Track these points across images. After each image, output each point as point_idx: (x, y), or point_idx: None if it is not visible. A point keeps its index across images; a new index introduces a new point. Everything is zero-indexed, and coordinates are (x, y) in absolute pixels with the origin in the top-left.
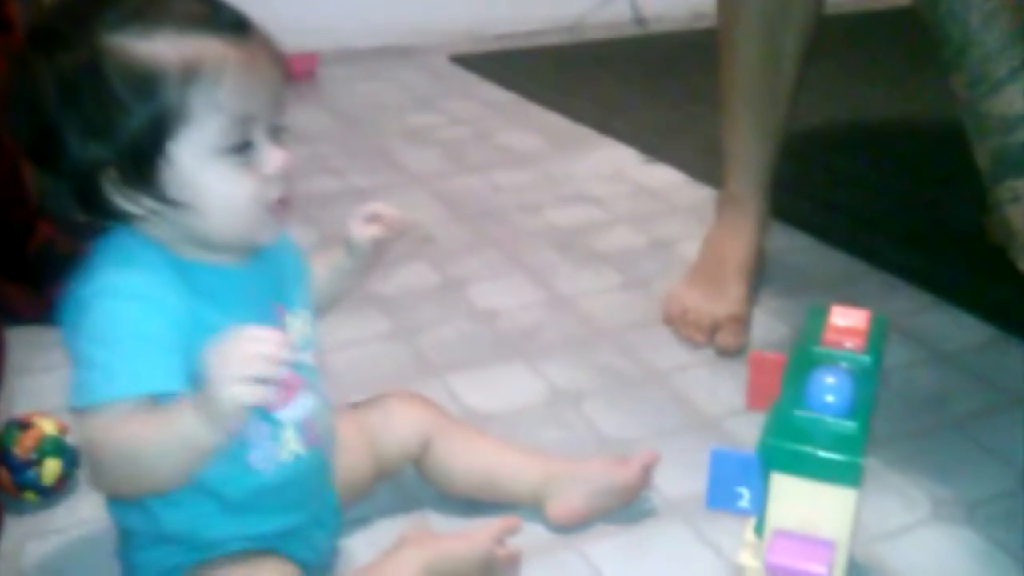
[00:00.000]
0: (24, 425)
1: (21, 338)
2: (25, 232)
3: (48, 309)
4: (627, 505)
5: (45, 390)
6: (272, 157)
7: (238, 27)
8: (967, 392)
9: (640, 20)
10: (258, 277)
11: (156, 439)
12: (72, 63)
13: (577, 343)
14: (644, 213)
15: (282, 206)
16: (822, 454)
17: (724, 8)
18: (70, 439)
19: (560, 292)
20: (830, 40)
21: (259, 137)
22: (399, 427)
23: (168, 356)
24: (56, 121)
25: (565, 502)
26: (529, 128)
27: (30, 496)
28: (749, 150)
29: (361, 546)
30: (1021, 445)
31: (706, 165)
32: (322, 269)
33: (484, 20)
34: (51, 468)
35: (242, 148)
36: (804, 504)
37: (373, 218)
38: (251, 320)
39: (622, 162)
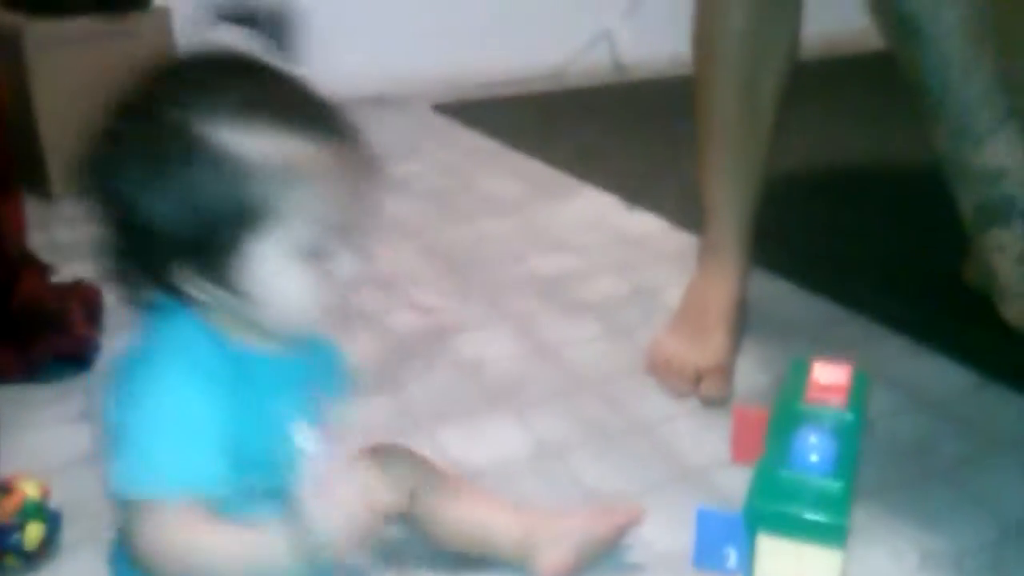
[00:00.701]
0: (5, 489)
1: (4, 396)
2: (7, 287)
3: (33, 367)
4: (609, 555)
5: (29, 450)
6: (348, 265)
7: (334, 131)
8: (951, 439)
9: (620, 67)
10: (304, 366)
11: (237, 556)
12: (162, 139)
13: (562, 394)
14: (626, 261)
15: (344, 311)
16: (807, 516)
17: (700, 56)
18: (52, 502)
19: (544, 341)
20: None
21: (335, 241)
22: (393, 480)
23: (217, 455)
24: (138, 202)
25: (554, 557)
26: (512, 175)
27: (11, 562)
28: (728, 198)
29: None
30: (1007, 492)
31: (688, 212)
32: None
33: (466, 68)
34: (33, 533)
35: (321, 253)
36: (790, 564)
37: (416, 307)
38: (295, 414)
39: (604, 209)
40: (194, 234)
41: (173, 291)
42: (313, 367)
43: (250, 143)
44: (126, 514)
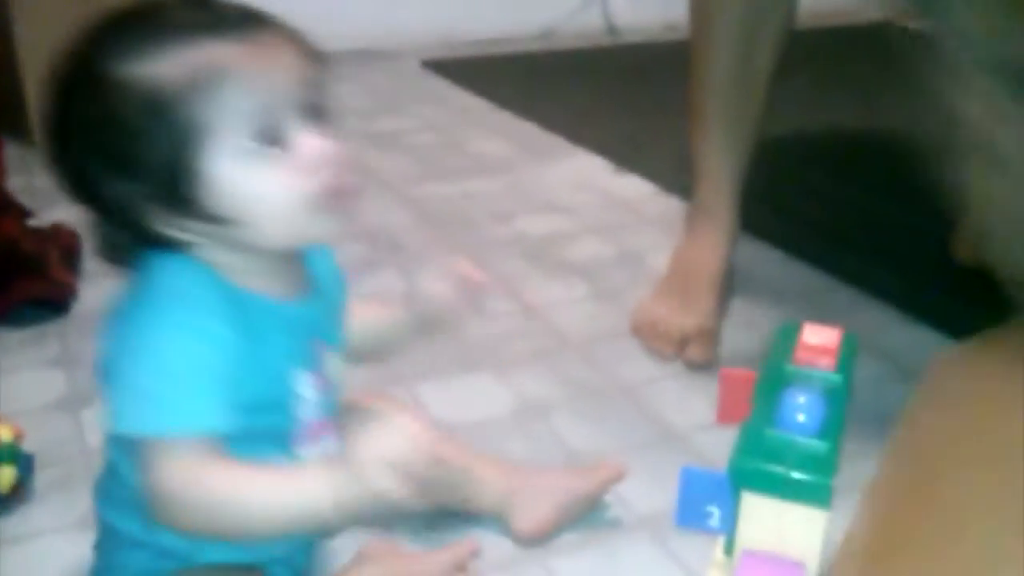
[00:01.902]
0: None
1: None
2: None
3: (9, 310)
4: (589, 513)
5: (3, 394)
6: (307, 143)
7: (241, 24)
8: None
9: (613, 30)
10: (307, 313)
11: (273, 498)
12: (86, 108)
13: (545, 354)
14: (613, 223)
15: (339, 197)
16: (793, 474)
17: (697, 20)
18: (25, 445)
19: (529, 302)
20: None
21: (291, 127)
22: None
23: (222, 393)
24: (85, 167)
25: (532, 512)
26: (499, 135)
27: None
28: (720, 161)
29: (320, 557)
30: None
31: (676, 176)
32: (379, 319)
33: (456, 26)
34: (5, 475)
35: (271, 143)
36: (774, 524)
37: (450, 277)
38: (295, 359)
39: (592, 171)
40: (147, 179)
41: (159, 240)
42: (320, 312)
43: (154, 69)
44: (137, 459)
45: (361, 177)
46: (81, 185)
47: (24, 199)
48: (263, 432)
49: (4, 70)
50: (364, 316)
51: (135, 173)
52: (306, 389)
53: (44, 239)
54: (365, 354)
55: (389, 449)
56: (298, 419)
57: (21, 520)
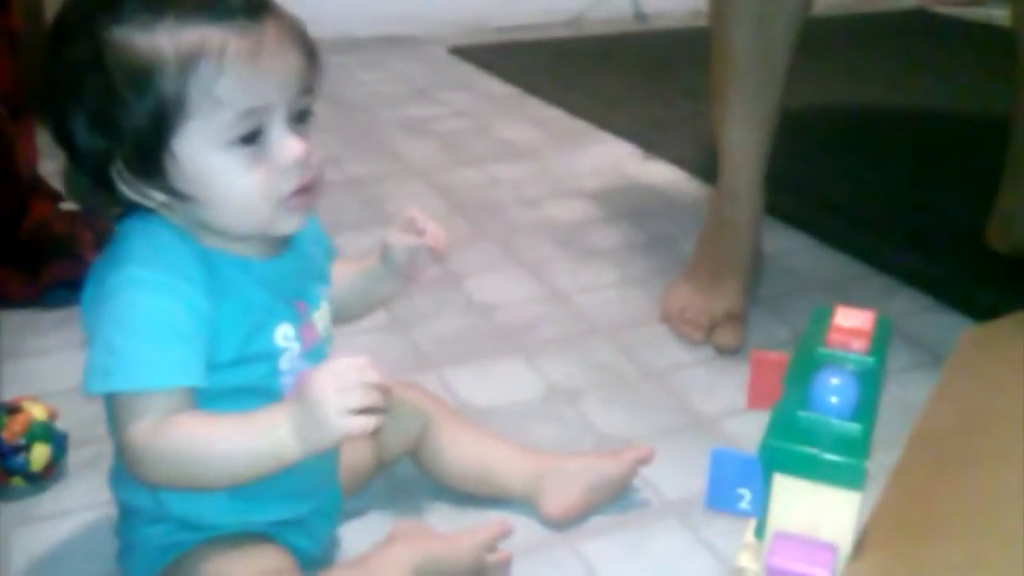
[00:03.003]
0: (13, 410)
1: (12, 321)
2: (18, 213)
3: (41, 292)
4: (618, 497)
5: (36, 374)
6: (287, 147)
7: (246, 12)
8: None
9: (641, 16)
10: (285, 270)
11: (237, 445)
12: (77, 56)
13: (574, 339)
14: (642, 209)
15: (305, 195)
16: (826, 456)
17: (716, 0)
18: (59, 424)
19: (557, 287)
20: (832, 40)
21: (274, 126)
22: (401, 419)
23: (192, 350)
24: (65, 113)
25: (561, 496)
26: (528, 121)
27: (17, 482)
28: (742, 140)
29: (352, 538)
30: None
31: (704, 162)
32: (356, 275)
33: (485, 12)
34: (40, 454)
35: (251, 139)
36: (806, 507)
37: (410, 226)
38: (275, 314)
39: (620, 158)
40: (118, 140)
41: (129, 203)
42: (297, 272)
43: (150, 39)
44: (115, 417)
45: (392, 164)
46: (61, 132)
47: (57, 183)
48: (249, 387)
49: (38, 53)
50: (342, 273)
51: (111, 134)
52: (290, 343)
53: (76, 222)
54: (350, 310)
55: (342, 383)
56: (284, 373)
57: (55, 498)
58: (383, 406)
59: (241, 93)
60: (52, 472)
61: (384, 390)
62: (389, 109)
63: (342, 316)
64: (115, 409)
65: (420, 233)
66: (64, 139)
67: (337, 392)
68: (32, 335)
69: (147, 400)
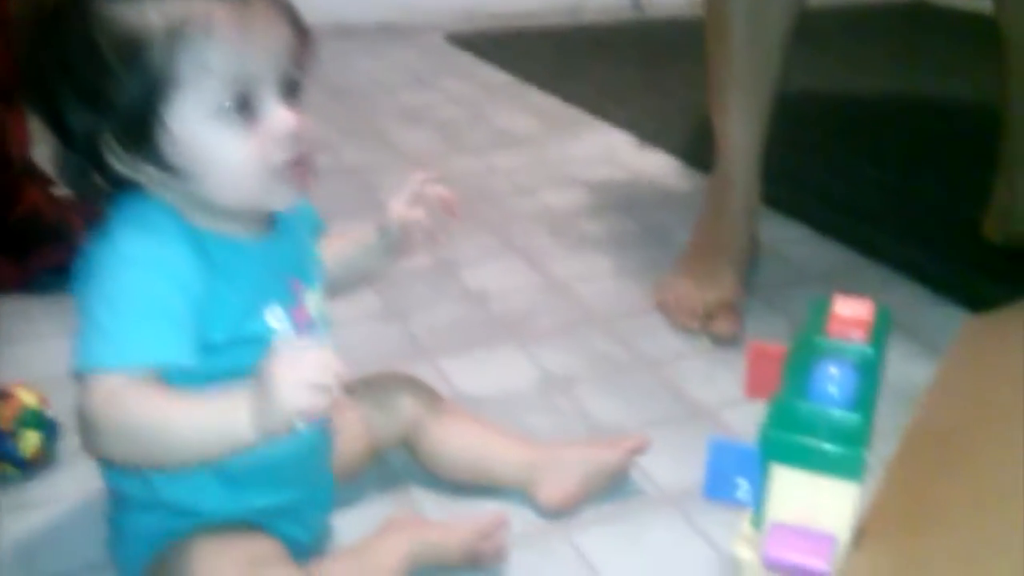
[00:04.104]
0: (3, 396)
1: (2, 307)
2: (8, 200)
3: (31, 278)
4: (614, 486)
5: (27, 360)
6: (278, 117)
7: None
8: None
9: (638, 6)
10: (276, 252)
11: (191, 422)
12: (66, 31)
13: (570, 328)
14: (638, 199)
15: (299, 169)
16: (825, 446)
17: None
18: (50, 411)
19: (553, 276)
20: (830, 31)
21: (265, 97)
22: (395, 408)
23: (178, 328)
24: (54, 91)
25: (557, 485)
26: (524, 110)
27: (7, 469)
28: (738, 128)
29: (347, 527)
30: None
31: (700, 152)
32: (349, 247)
33: (481, 0)
34: (30, 440)
35: (241, 109)
36: (804, 497)
37: (417, 198)
38: (266, 296)
39: (617, 147)
40: (109, 115)
41: (121, 180)
42: (291, 251)
43: (138, 12)
44: (82, 390)
45: (388, 152)
46: (50, 111)
47: (50, 168)
48: (242, 369)
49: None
50: (335, 247)
51: (102, 109)
52: (283, 325)
53: (68, 207)
54: (344, 284)
55: (300, 368)
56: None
57: (46, 485)
58: (338, 387)
59: (230, 60)
60: (42, 459)
61: (341, 375)
62: (385, 97)
63: (330, 291)
64: (80, 381)
65: (428, 204)
66: (54, 118)
67: (289, 367)
68: (22, 321)
69: (118, 375)
